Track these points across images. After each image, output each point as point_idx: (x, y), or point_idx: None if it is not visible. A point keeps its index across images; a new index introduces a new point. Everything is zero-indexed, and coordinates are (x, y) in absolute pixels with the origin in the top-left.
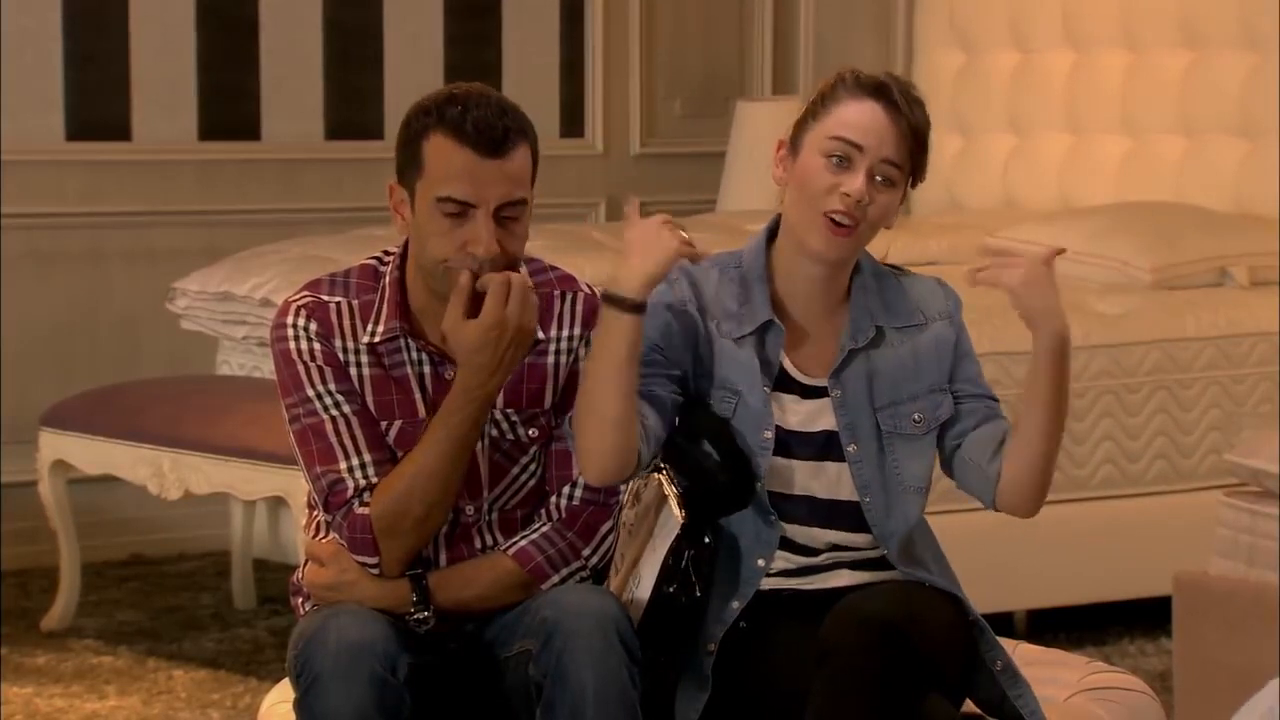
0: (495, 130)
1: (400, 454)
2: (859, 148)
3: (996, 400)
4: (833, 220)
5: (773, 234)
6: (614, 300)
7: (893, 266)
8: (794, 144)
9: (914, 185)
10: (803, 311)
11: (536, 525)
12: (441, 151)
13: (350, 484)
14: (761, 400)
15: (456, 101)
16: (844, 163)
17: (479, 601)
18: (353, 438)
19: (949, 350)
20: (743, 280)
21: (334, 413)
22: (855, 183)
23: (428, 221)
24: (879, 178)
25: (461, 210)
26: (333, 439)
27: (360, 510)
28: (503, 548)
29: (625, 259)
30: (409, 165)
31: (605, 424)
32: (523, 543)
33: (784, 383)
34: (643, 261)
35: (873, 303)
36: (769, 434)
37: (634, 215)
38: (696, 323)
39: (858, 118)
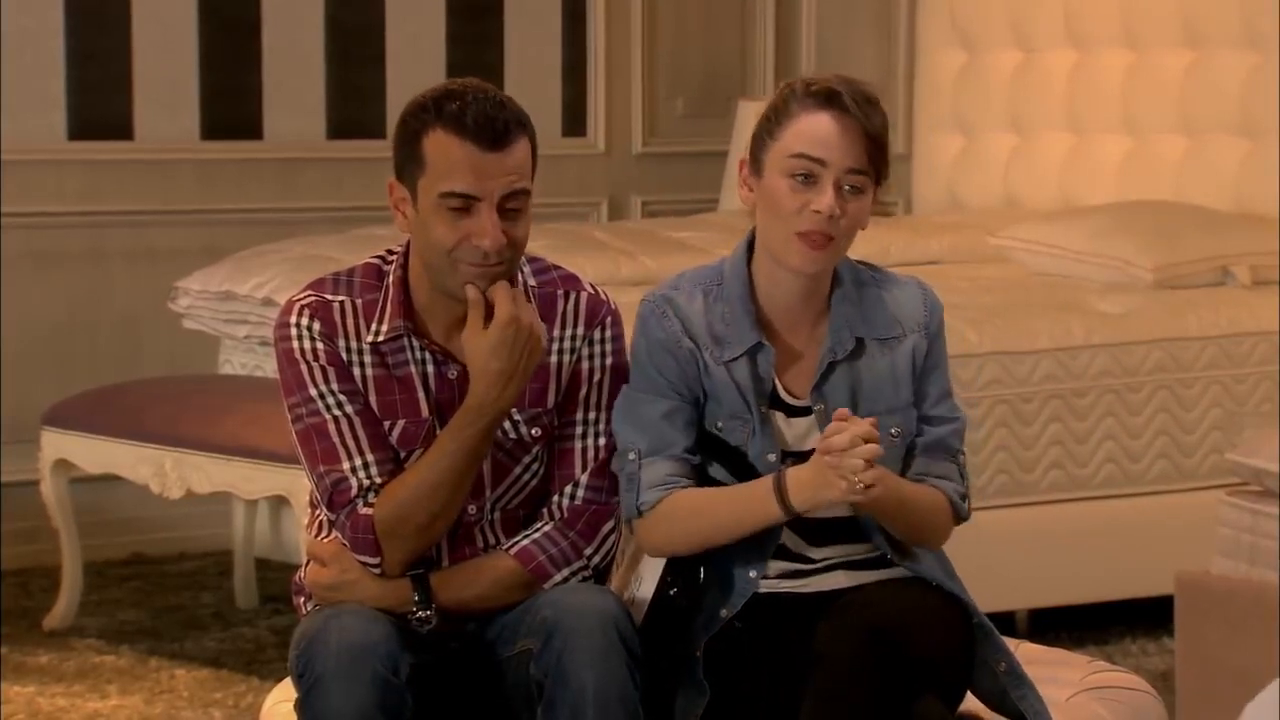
0: (496, 123)
1: (403, 454)
2: (821, 162)
3: (953, 420)
4: (808, 238)
5: (750, 246)
6: (783, 501)
7: (871, 268)
8: (755, 162)
9: (879, 184)
10: (786, 327)
11: (538, 525)
12: (443, 147)
13: (354, 483)
14: (762, 424)
15: (454, 97)
16: (809, 179)
17: (480, 601)
18: (355, 438)
19: (920, 363)
20: (727, 299)
21: (336, 412)
22: (824, 200)
23: (432, 216)
24: (846, 188)
25: (465, 204)
26: (335, 439)
27: (364, 510)
28: (504, 547)
29: (816, 473)
30: (409, 162)
31: (701, 547)
32: (524, 542)
33: (774, 403)
34: (817, 492)
35: (852, 314)
36: (773, 457)
37: (841, 435)
38: (693, 353)
39: (814, 131)
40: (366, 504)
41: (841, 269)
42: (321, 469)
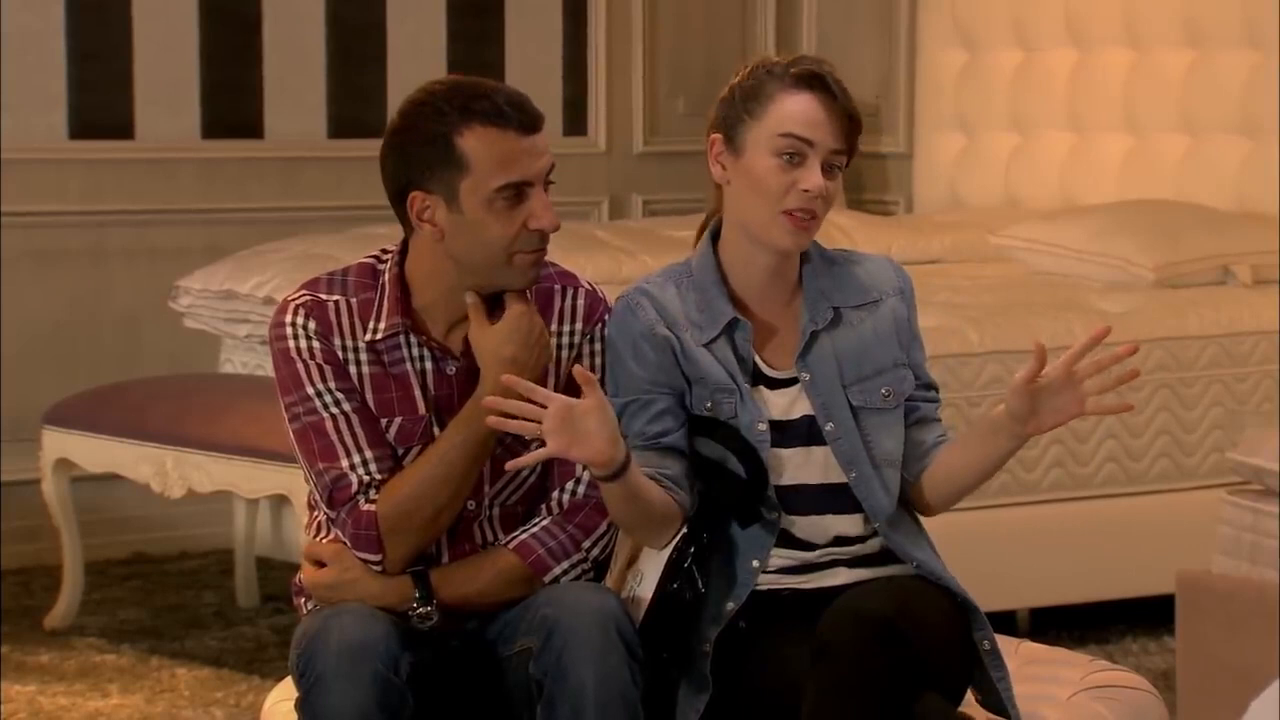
0: (528, 105)
1: (400, 451)
2: (809, 143)
3: (935, 390)
4: (795, 216)
5: (714, 235)
6: (598, 479)
7: (839, 249)
8: (731, 141)
9: (847, 165)
10: (761, 305)
11: (537, 519)
12: (487, 142)
13: (354, 480)
14: (748, 395)
15: (475, 93)
16: (796, 158)
17: (481, 596)
18: (353, 435)
19: (904, 327)
20: (698, 287)
21: (334, 410)
22: (813, 179)
23: (484, 215)
24: (829, 167)
25: (518, 193)
26: (334, 436)
27: (366, 506)
28: (503, 542)
29: (578, 450)
30: (439, 167)
31: (645, 532)
32: (523, 536)
33: (756, 378)
34: (584, 452)
35: (825, 285)
36: (763, 426)
37: (553, 419)
38: (670, 340)
39: (803, 112)
40: (369, 500)
41: (810, 247)
42: (320, 466)
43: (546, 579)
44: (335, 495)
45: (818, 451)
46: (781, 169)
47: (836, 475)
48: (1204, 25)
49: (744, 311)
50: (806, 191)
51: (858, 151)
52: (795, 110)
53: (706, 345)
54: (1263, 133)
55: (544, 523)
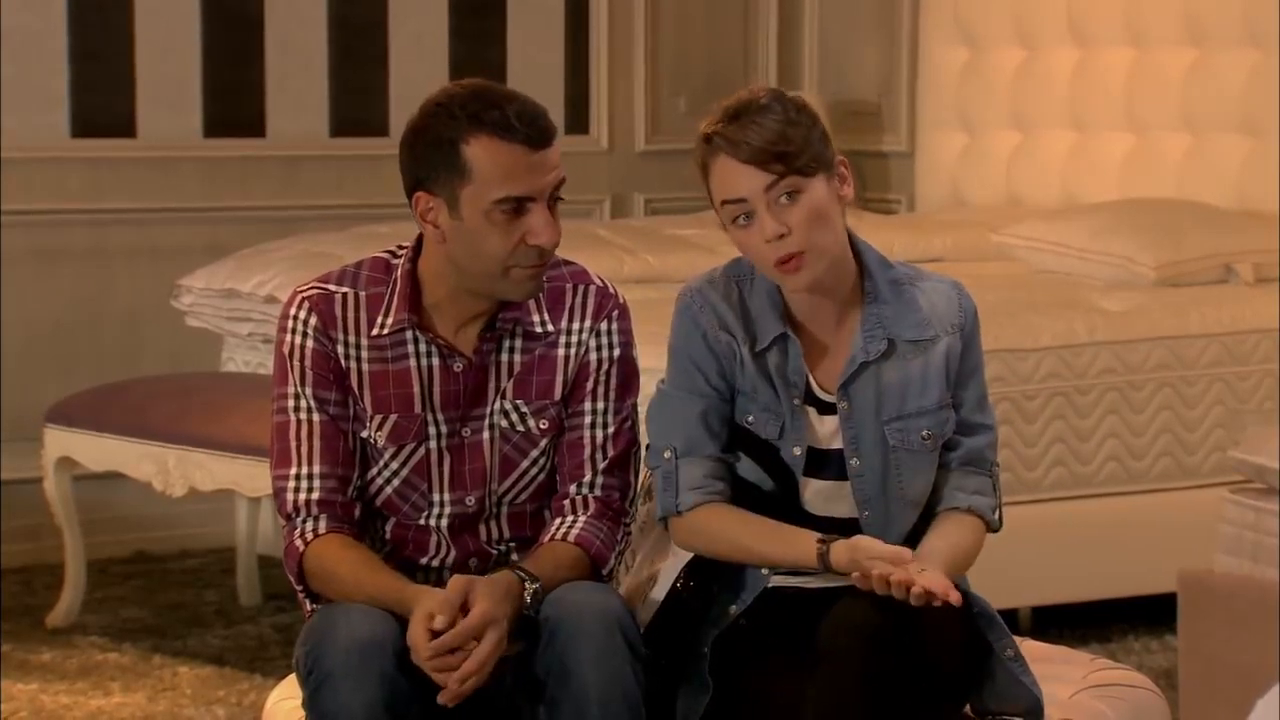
0: (540, 121)
1: (394, 449)
2: (742, 200)
3: (989, 428)
4: (781, 261)
5: None
6: (826, 566)
7: (906, 266)
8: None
9: (823, 167)
10: (813, 320)
11: (569, 518)
12: (491, 153)
13: (290, 498)
14: (791, 416)
15: (488, 101)
16: (747, 218)
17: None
18: (310, 447)
19: (955, 365)
20: (755, 292)
21: (302, 416)
22: (765, 229)
23: (482, 225)
24: (779, 201)
25: (519, 206)
26: (292, 441)
27: (298, 543)
28: (554, 536)
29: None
30: (443, 172)
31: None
32: (576, 530)
33: (808, 398)
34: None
35: (885, 313)
36: (799, 451)
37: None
38: (730, 346)
39: (722, 176)
40: (303, 536)
41: (871, 263)
42: (274, 472)
43: (605, 570)
44: (279, 506)
45: (848, 485)
46: (742, 229)
47: (852, 510)
48: (1205, 24)
49: (795, 325)
50: (767, 241)
51: (821, 151)
52: (718, 177)
53: (760, 353)
54: (1264, 131)
55: (582, 519)
